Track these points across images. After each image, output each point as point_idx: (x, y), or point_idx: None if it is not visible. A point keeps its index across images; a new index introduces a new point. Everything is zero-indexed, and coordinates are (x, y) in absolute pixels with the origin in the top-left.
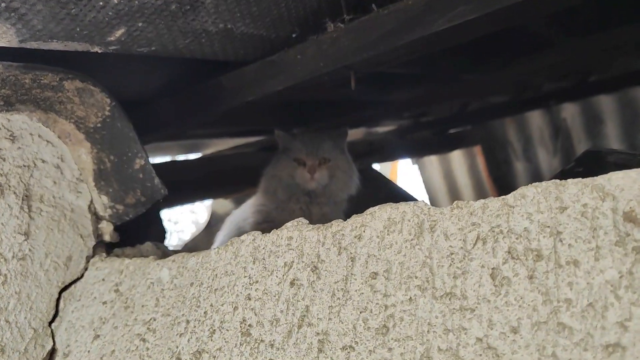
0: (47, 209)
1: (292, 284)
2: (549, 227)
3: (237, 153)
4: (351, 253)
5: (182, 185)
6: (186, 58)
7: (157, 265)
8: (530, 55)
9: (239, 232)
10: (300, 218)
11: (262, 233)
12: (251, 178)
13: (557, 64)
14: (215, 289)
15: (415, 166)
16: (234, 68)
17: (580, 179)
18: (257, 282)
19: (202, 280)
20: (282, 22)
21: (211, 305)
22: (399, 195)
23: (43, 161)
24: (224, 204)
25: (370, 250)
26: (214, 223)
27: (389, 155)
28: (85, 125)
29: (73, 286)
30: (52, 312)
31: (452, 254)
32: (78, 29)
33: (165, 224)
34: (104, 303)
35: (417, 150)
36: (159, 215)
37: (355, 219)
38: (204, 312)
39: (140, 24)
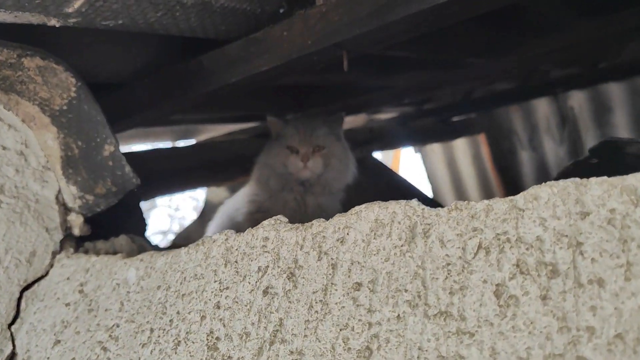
0: (8, 200)
1: (265, 292)
2: (567, 236)
3: (230, 140)
4: (332, 259)
5: (174, 173)
6: (164, 35)
7: (124, 265)
8: (539, 38)
9: (232, 222)
10: (279, 216)
11: (237, 233)
12: (245, 166)
13: (567, 47)
14: (183, 295)
15: (418, 154)
16: (218, 47)
17: (605, 177)
18: (227, 288)
19: (169, 283)
20: None
21: (178, 312)
22: (399, 185)
23: (4, 147)
24: (218, 192)
25: (354, 256)
26: (208, 212)
27: (390, 143)
28: (51, 108)
29: (37, 285)
30: (13, 314)
31: (448, 264)
32: None
33: (160, 214)
34: (67, 305)
35: (419, 138)
36: (139, 205)
37: (339, 219)
38: (170, 321)
39: None
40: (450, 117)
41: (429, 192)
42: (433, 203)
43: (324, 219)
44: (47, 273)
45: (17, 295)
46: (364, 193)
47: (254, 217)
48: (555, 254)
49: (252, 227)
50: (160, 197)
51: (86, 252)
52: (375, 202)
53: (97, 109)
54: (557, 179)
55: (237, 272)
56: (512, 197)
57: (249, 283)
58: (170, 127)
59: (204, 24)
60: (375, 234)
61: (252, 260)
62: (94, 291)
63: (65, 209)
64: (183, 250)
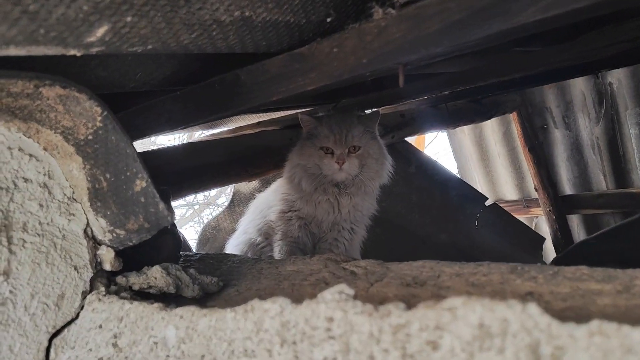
0: (32, 239)
1: None
2: None
3: (260, 132)
4: None
5: (201, 170)
6: None
7: (162, 320)
8: (603, 27)
9: (264, 220)
10: (341, 285)
11: (292, 303)
12: (277, 159)
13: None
14: None
15: (445, 132)
16: (259, 58)
17: None
18: None
19: (215, 355)
20: (313, 3)
21: None
22: (430, 169)
23: (26, 180)
24: (247, 182)
25: None
26: (237, 202)
27: (422, 127)
28: (75, 137)
29: (66, 330)
30: None
31: None
32: (42, 31)
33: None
34: None
35: (451, 120)
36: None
37: (425, 314)
38: None
39: (129, 19)
40: (482, 97)
41: (454, 170)
42: (472, 190)
43: (403, 305)
44: (77, 316)
45: (45, 344)
46: (393, 178)
47: (286, 216)
48: None
49: (284, 227)
50: (191, 194)
51: (118, 291)
52: (473, 298)
53: (126, 141)
54: None
55: (296, 357)
56: None
57: None
58: None
59: (244, 40)
60: (480, 345)
61: (314, 347)
62: (129, 347)
63: (94, 243)
64: (229, 314)
